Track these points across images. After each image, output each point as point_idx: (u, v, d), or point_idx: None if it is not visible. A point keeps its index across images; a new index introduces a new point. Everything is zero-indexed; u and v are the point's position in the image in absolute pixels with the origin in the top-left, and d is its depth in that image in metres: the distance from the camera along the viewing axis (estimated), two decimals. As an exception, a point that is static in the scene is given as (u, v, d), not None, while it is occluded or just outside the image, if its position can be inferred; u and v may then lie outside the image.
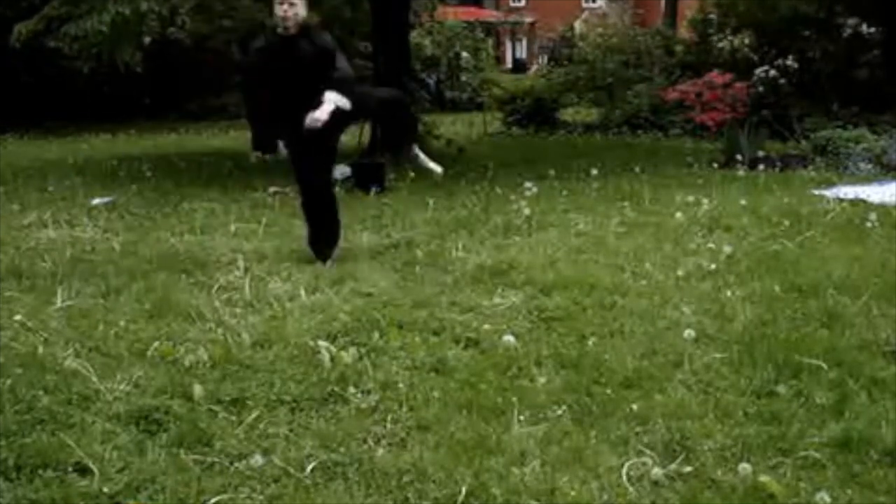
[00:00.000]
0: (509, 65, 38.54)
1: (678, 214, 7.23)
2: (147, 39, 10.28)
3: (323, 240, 5.95)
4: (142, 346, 4.12)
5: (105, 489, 2.83)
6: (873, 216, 6.99)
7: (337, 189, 8.92)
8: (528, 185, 8.55)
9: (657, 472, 2.94)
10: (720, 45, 16.72)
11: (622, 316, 4.59)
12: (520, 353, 4.04)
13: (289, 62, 5.71)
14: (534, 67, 32.31)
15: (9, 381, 3.59)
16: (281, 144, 6.08)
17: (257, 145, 6.12)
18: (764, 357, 3.90)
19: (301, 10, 5.74)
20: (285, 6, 5.69)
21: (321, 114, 5.44)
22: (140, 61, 11.26)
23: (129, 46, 10.49)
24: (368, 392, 3.61)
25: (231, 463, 3.03)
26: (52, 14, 10.64)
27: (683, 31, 19.57)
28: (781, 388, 3.59)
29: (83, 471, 2.94)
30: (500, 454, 3.07)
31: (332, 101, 5.48)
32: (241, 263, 5.69)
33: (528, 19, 39.56)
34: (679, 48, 18.39)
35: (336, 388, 3.62)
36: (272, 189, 9.02)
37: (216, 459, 3.05)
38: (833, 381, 3.65)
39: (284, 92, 5.68)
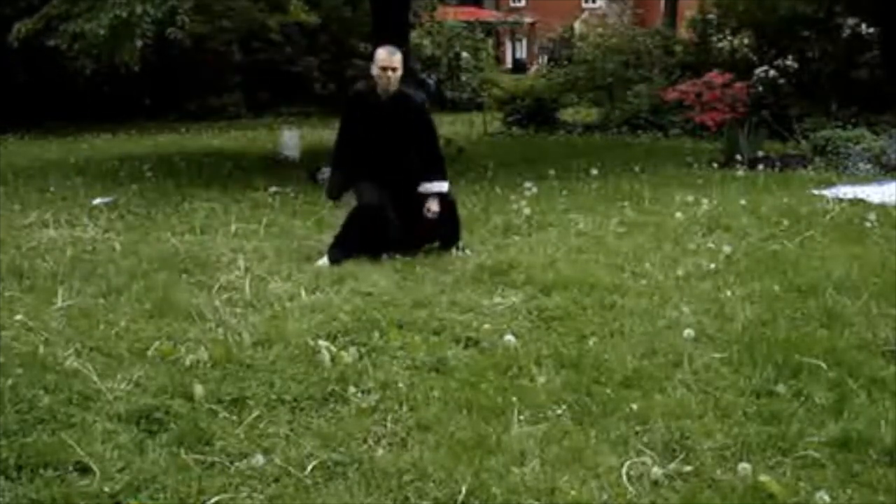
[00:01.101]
0: (509, 65, 38.53)
1: (678, 214, 7.24)
2: (139, 43, 10.24)
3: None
4: (142, 346, 4.12)
5: (106, 488, 2.83)
6: (873, 216, 7.00)
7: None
8: (528, 185, 8.56)
9: (657, 471, 2.94)
10: (720, 45, 16.73)
11: (622, 316, 4.60)
12: (520, 352, 4.04)
13: (384, 122, 5.94)
14: (534, 67, 32.30)
15: (10, 381, 3.59)
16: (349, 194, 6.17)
17: (331, 193, 6.24)
18: (764, 357, 3.91)
19: (400, 72, 5.95)
20: (389, 73, 5.88)
21: (435, 206, 5.97)
22: (138, 62, 11.23)
23: (128, 48, 10.49)
24: (368, 392, 3.61)
25: (231, 462, 3.03)
26: (52, 13, 10.65)
27: (683, 32, 19.56)
28: (781, 388, 3.60)
29: (84, 470, 2.94)
30: (500, 454, 3.07)
31: (438, 190, 6.01)
32: (241, 263, 5.70)
33: (528, 19, 39.54)
34: (679, 48, 18.38)
35: (336, 388, 3.62)
36: (273, 189, 9.03)
37: (217, 459, 3.05)
38: (833, 381, 3.65)
39: (371, 147, 5.96)
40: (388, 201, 5.93)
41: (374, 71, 5.95)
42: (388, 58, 5.88)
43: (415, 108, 6.07)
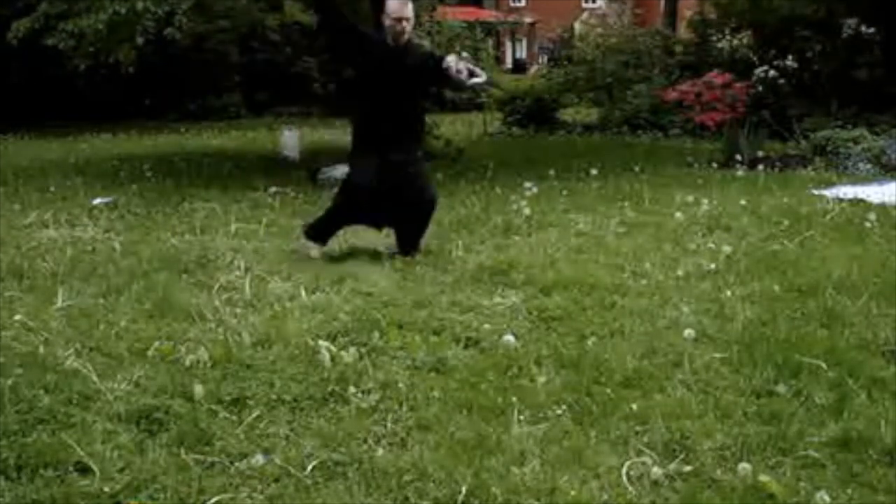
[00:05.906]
0: (509, 65, 38.51)
1: (678, 214, 7.24)
2: (140, 40, 10.22)
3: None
4: (142, 346, 4.12)
5: (106, 489, 2.83)
6: (873, 216, 7.00)
7: (337, 189, 8.95)
8: (528, 185, 8.56)
9: (657, 471, 2.94)
10: (719, 45, 16.70)
11: (622, 316, 4.60)
12: (520, 353, 4.05)
13: (392, 74, 5.90)
14: (534, 68, 32.29)
15: (10, 381, 3.59)
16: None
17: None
18: (764, 357, 3.91)
19: (413, 23, 6.01)
20: (403, 23, 5.90)
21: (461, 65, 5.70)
22: (133, 61, 11.19)
23: (126, 46, 10.48)
24: (368, 392, 3.61)
25: (231, 462, 3.04)
26: (49, 11, 10.62)
27: (683, 32, 19.55)
28: (781, 388, 3.60)
29: (84, 470, 2.94)
30: (500, 454, 3.07)
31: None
32: (241, 263, 5.70)
33: (528, 19, 39.50)
34: (678, 48, 18.38)
35: (336, 388, 3.62)
36: (273, 189, 9.03)
37: (217, 459, 3.05)
38: (833, 381, 3.66)
39: (378, 101, 5.91)
40: (378, 174, 5.81)
41: (387, 22, 5.93)
42: (400, 8, 5.88)
43: (423, 51, 6.10)
